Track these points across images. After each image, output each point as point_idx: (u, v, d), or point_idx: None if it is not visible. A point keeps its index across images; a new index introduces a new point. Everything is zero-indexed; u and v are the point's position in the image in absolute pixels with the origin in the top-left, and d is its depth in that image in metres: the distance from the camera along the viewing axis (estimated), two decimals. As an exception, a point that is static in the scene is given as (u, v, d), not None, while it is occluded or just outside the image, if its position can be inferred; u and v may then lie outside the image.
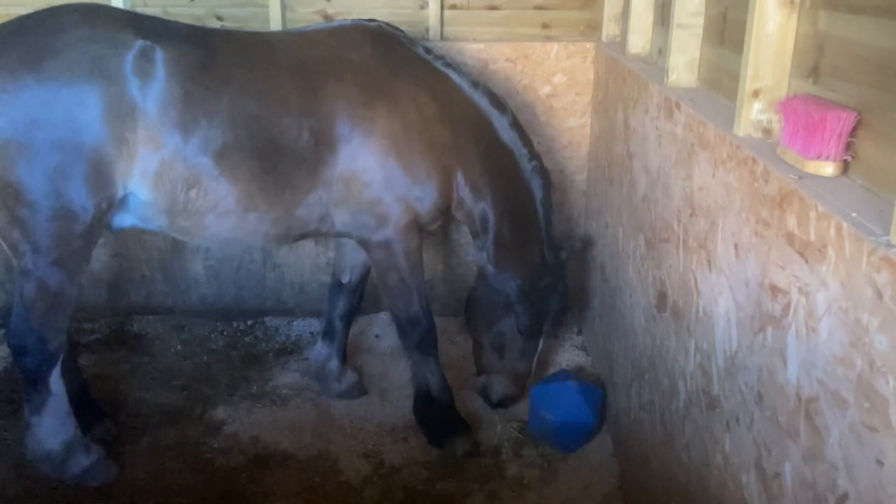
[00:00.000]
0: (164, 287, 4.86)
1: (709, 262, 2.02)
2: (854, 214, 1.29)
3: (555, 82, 4.29)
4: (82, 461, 3.27)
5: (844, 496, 1.25)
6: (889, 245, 1.15)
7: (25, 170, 2.73)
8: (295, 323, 4.76)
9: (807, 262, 1.40)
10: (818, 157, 1.53)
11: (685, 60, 2.53)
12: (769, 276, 1.59)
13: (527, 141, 3.54)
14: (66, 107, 2.72)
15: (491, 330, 3.74)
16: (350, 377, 4.04)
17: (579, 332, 4.56)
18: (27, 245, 2.85)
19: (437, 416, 3.60)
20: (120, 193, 2.91)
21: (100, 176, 2.81)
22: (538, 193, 3.55)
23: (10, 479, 3.46)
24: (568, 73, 4.27)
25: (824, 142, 1.51)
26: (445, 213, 3.52)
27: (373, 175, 3.21)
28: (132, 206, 3.03)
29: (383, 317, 4.57)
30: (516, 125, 3.51)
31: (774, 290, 1.56)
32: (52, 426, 3.17)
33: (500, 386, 3.78)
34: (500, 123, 3.47)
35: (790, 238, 1.48)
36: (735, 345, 1.81)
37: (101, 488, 3.38)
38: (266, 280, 4.82)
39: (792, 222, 1.47)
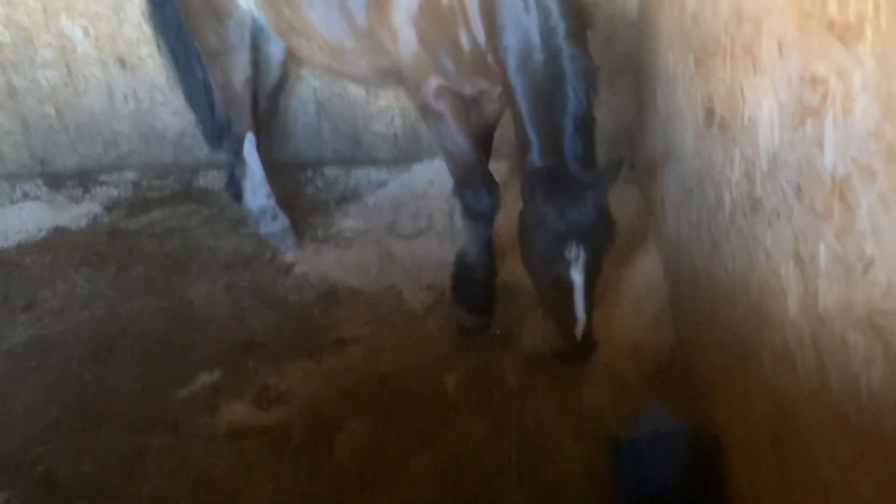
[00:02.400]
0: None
1: (754, 66, 2.03)
2: (892, -10, 1.29)
3: None
4: (269, 225, 4.22)
5: (871, 261, 1.34)
6: (922, 12, 1.17)
7: None
8: (352, 172, 4.90)
9: (845, 45, 1.42)
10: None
11: None
12: (810, 67, 1.61)
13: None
14: None
15: (537, 268, 2.92)
16: None
17: (632, 167, 4.59)
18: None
19: (461, 286, 3.50)
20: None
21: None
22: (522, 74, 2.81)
23: (106, 317, 3.79)
24: None
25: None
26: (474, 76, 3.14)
27: (406, 33, 3.12)
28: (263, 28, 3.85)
29: (437, 164, 4.67)
30: None
31: (814, 80, 1.58)
32: (250, 191, 4.22)
33: (563, 333, 2.96)
34: None
35: (831, 25, 1.49)
36: (777, 143, 1.85)
37: (193, 327, 3.71)
38: (321, 131, 4.93)
39: (833, 8, 1.48)
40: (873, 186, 1.32)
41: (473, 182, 3.26)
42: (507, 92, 2.88)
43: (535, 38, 2.75)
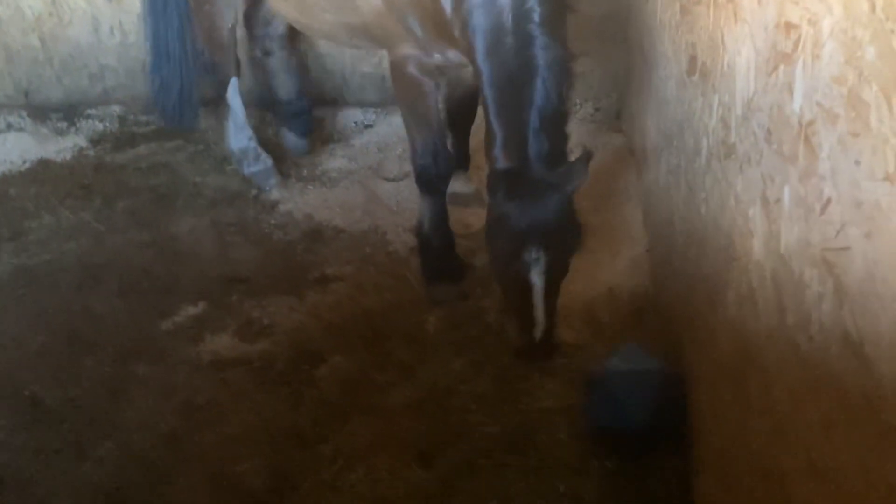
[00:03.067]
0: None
1: (735, 14, 2.06)
2: (863, -62, 1.34)
3: None
4: (251, 166, 4.26)
5: (828, 201, 1.41)
6: (888, -40, 1.21)
7: None
8: (340, 113, 4.90)
9: (817, -8, 1.47)
10: None
11: None
12: (785, 14, 1.65)
13: None
14: None
15: (500, 268, 2.78)
16: None
17: (618, 117, 4.63)
18: None
19: (424, 255, 3.53)
20: None
21: None
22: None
23: (92, 248, 3.83)
24: None
25: None
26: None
27: None
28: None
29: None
30: None
31: (788, 26, 1.63)
32: (232, 131, 4.26)
33: (526, 333, 2.77)
34: None
35: (806, -28, 1.54)
36: (752, 89, 1.90)
37: (178, 261, 3.76)
38: (310, 72, 4.91)
39: (808, -45, 1.52)
40: (834, 130, 1.38)
41: (430, 153, 3.26)
42: (476, 76, 2.69)
43: (508, 20, 2.55)
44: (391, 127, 4.79)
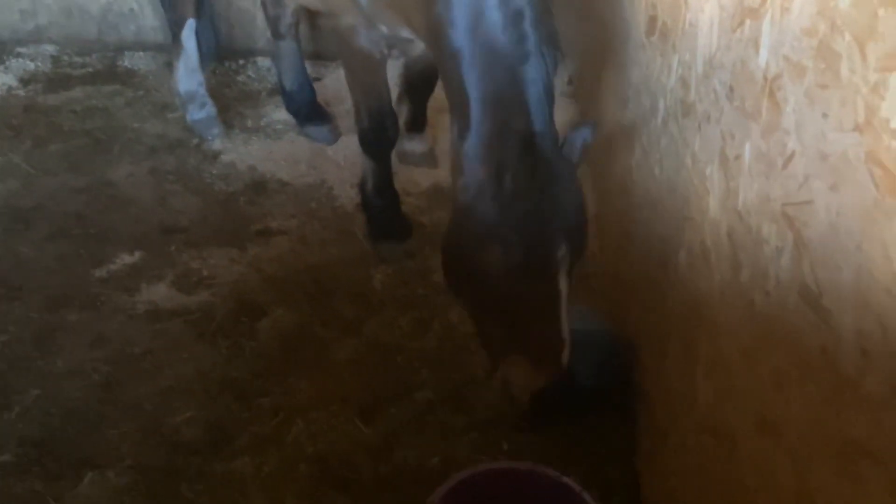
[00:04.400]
0: (154, 23, 4.80)
1: (700, -29, 2.04)
2: None
3: None
4: (195, 113, 4.14)
5: (791, 155, 1.40)
6: None
7: None
8: (287, 64, 4.75)
9: (790, -57, 1.45)
10: None
11: None
12: (754, -32, 1.64)
13: None
14: None
15: (475, 280, 2.24)
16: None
17: (570, 82, 4.61)
18: None
19: (368, 214, 3.50)
20: None
21: None
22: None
23: (21, 191, 3.65)
24: None
25: None
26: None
27: None
28: None
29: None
30: None
31: (757, -20, 1.61)
32: (181, 74, 4.10)
33: (522, 373, 2.26)
34: None
35: (779, -77, 1.51)
36: (714, 46, 1.89)
37: (114, 207, 3.60)
38: (257, 20, 4.75)
39: None
40: (802, 83, 1.36)
41: (376, 120, 3.20)
42: (449, 59, 2.36)
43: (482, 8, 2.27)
44: (340, 80, 4.64)
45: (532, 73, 2.27)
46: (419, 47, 2.99)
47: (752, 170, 1.59)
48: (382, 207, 3.46)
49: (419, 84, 3.62)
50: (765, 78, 1.55)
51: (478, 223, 2.20)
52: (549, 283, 2.15)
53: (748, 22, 1.66)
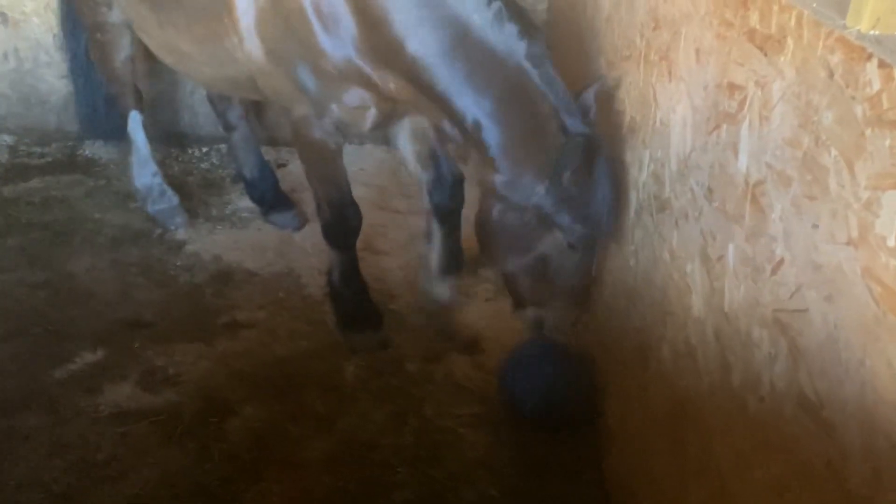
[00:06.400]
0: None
1: (669, 72, 2.10)
2: (815, 5, 1.37)
3: None
4: (156, 204, 4.06)
5: (780, 262, 1.41)
6: (844, 27, 1.24)
7: None
8: (251, 150, 4.74)
9: (766, 55, 1.49)
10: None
11: None
12: (728, 75, 1.68)
13: None
14: None
15: (527, 257, 2.70)
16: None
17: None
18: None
19: (337, 304, 3.40)
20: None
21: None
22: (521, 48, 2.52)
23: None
24: None
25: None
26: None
27: (250, 44, 2.90)
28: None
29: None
30: None
31: (732, 87, 1.65)
32: (135, 168, 4.07)
33: (560, 316, 2.82)
34: None
35: (751, 35, 1.56)
36: (689, 147, 1.93)
37: (75, 302, 3.49)
38: (220, 107, 4.74)
39: (755, 18, 1.54)
40: (787, 192, 1.39)
41: (337, 211, 3.15)
42: (430, 82, 2.57)
43: (477, 24, 2.47)
44: (305, 167, 4.68)
45: (531, 63, 2.50)
46: (371, 116, 2.88)
47: (738, 272, 1.61)
48: (351, 297, 3.38)
49: (447, 207, 3.33)
50: (746, 182, 1.58)
51: (525, 213, 2.59)
52: (588, 253, 2.64)
53: (725, 126, 1.70)
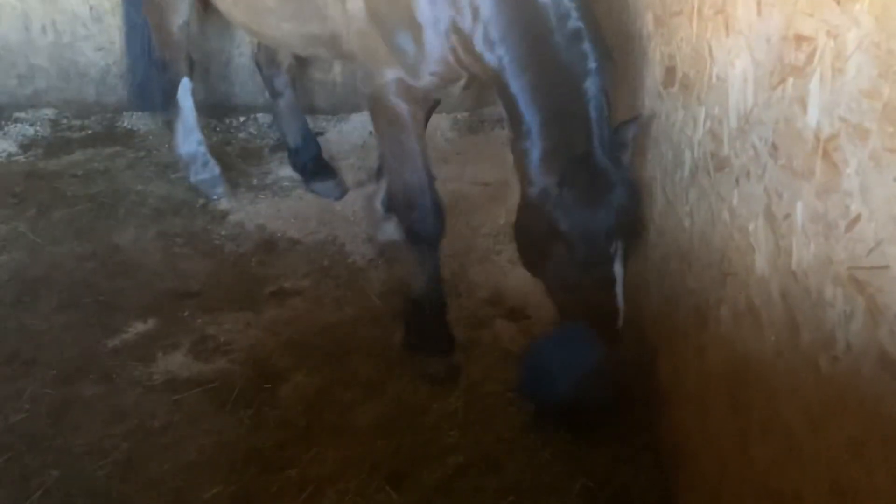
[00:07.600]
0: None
1: (727, 25, 2.04)
2: (894, -51, 1.31)
3: None
4: (198, 173, 4.06)
5: (857, 218, 1.37)
6: (930, -28, 1.19)
7: None
8: (289, 119, 4.74)
9: (838, 3, 1.43)
10: None
11: None
12: (794, 27, 1.62)
13: None
14: None
15: (548, 265, 2.66)
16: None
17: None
18: None
19: (412, 322, 3.12)
20: None
21: None
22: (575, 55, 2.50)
23: (27, 261, 3.58)
24: None
25: None
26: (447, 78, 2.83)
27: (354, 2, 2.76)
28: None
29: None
30: None
31: (799, 39, 1.60)
32: (181, 136, 4.08)
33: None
34: None
35: (822, -16, 1.51)
36: (750, 103, 1.87)
37: (123, 273, 3.53)
38: (256, 76, 4.73)
39: (826, -33, 1.49)
40: (865, 145, 1.34)
41: (419, 202, 2.89)
42: (506, 84, 2.57)
43: (548, 21, 2.47)
44: (342, 135, 4.69)
45: (592, 88, 2.49)
46: (461, 84, 2.92)
47: (807, 230, 1.57)
48: (429, 316, 3.06)
49: None
50: (816, 137, 1.53)
51: (544, 223, 2.55)
52: (605, 271, 2.53)
53: (791, 80, 1.65)
